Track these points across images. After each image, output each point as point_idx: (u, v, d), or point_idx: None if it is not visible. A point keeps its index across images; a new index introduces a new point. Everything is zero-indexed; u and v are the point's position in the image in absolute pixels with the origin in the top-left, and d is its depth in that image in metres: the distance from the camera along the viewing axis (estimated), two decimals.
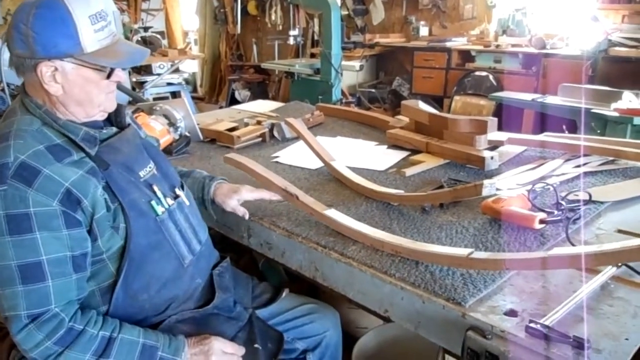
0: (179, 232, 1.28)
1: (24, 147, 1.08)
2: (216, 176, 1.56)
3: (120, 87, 1.87)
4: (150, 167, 1.29)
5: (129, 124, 1.31)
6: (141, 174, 1.25)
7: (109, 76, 1.17)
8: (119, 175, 1.18)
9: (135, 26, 6.36)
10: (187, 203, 1.35)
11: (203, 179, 1.53)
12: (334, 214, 1.39)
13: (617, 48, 4.46)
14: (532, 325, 0.92)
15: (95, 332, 1.11)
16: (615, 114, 3.08)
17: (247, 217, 1.48)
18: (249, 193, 1.49)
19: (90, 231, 1.12)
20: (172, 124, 2.11)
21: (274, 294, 1.54)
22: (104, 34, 1.13)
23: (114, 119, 1.29)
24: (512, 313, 0.99)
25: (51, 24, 1.08)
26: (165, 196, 1.27)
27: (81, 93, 1.16)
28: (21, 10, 1.10)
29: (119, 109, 1.29)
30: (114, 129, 1.26)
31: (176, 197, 1.32)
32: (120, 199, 1.16)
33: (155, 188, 1.25)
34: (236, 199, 1.48)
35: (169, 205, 1.27)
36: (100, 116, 1.23)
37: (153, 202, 1.22)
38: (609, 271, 1.10)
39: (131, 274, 1.18)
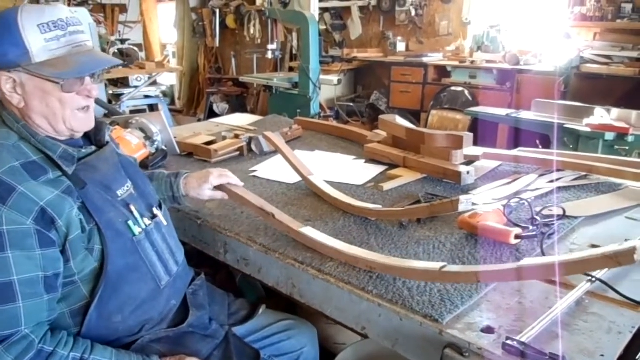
0: (156, 253, 1.25)
1: None
2: (180, 171, 1.58)
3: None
4: (127, 186, 1.26)
5: (107, 142, 1.28)
6: (119, 192, 1.22)
7: (68, 90, 1.11)
8: (96, 194, 1.15)
9: (112, 38, 6.30)
10: (165, 223, 1.33)
11: (168, 177, 1.54)
12: (309, 231, 1.38)
13: (588, 65, 4.59)
14: (508, 342, 0.92)
15: (65, 353, 1.07)
16: (588, 129, 3.16)
17: (226, 197, 1.54)
18: (217, 179, 1.53)
19: (63, 252, 1.09)
20: (148, 137, 2.08)
21: (251, 310, 1.52)
22: (58, 43, 1.09)
23: (94, 137, 1.26)
24: (488, 330, 0.99)
25: (5, 35, 1.06)
26: (142, 216, 1.24)
27: (41, 106, 1.11)
28: None
29: (100, 126, 1.26)
30: (93, 148, 1.24)
31: (154, 217, 1.30)
32: (97, 220, 1.13)
33: (133, 208, 1.23)
34: (207, 188, 1.52)
35: (146, 226, 1.24)
36: (69, 135, 1.18)
37: (130, 222, 1.20)
38: (584, 286, 1.11)
39: (107, 295, 1.15)
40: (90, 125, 1.21)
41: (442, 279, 1.11)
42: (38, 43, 1.06)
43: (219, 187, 1.55)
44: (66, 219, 1.07)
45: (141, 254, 1.21)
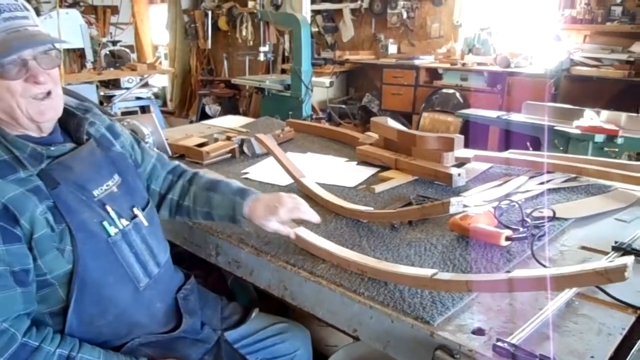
0: (134, 255, 1.22)
1: None
2: (248, 189, 1.42)
3: (75, 96, 1.73)
4: (107, 185, 1.22)
5: (87, 139, 1.25)
6: (95, 192, 1.18)
7: (8, 77, 1.06)
8: (69, 194, 1.13)
9: (104, 40, 6.27)
10: (146, 224, 1.28)
11: (234, 195, 1.39)
12: (302, 232, 1.38)
13: (578, 67, 4.63)
14: (499, 344, 0.92)
15: (51, 349, 1.06)
16: (578, 131, 3.18)
17: (292, 236, 1.36)
18: (287, 213, 1.34)
19: (30, 249, 1.07)
20: (140, 139, 2.07)
21: (244, 314, 1.51)
22: None
23: (74, 134, 1.23)
24: (479, 332, 1.00)
25: None
26: (120, 217, 1.21)
27: None
28: None
29: (80, 122, 1.23)
30: (69, 146, 1.20)
31: (134, 217, 1.26)
32: (68, 220, 1.10)
33: (109, 208, 1.19)
34: (275, 221, 1.34)
35: (124, 226, 1.21)
36: (36, 130, 1.15)
37: (105, 223, 1.17)
38: (574, 288, 1.11)
39: (85, 299, 1.13)
40: (54, 114, 1.16)
41: (434, 287, 1.11)
42: None
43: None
44: (29, 217, 1.05)
45: (117, 255, 1.18)
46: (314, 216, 1.37)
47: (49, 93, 1.12)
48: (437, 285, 1.10)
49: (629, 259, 0.88)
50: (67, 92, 1.32)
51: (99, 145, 1.27)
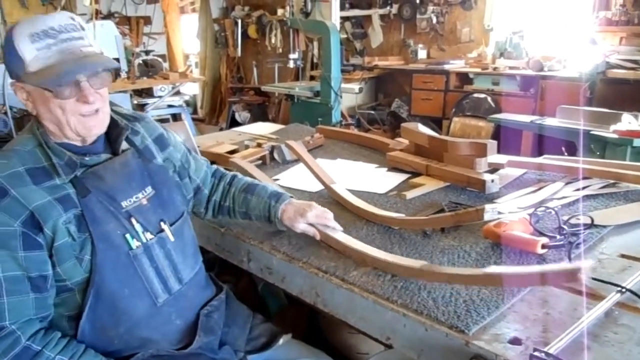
0: (154, 269, 1.23)
1: (5, 167, 1.10)
2: (282, 194, 1.51)
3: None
4: (137, 197, 1.23)
5: (123, 151, 1.27)
6: (124, 204, 1.20)
7: (61, 96, 1.11)
8: (97, 203, 1.15)
9: (137, 50, 6.43)
10: (172, 239, 1.28)
11: (269, 199, 1.48)
12: (343, 237, 1.41)
13: (615, 70, 4.50)
14: (536, 354, 0.90)
15: (52, 355, 1.09)
16: (615, 135, 3.10)
17: (317, 237, 1.43)
18: (315, 218, 1.43)
19: (50, 256, 1.11)
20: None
21: (272, 337, 1.45)
22: (49, 52, 1.09)
23: (112, 145, 1.26)
24: (516, 341, 0.98)
25: (6, 48, 1.10)
26: (145, 230, 1.22)
27: (47, 113, 1.13)
28: None
29: (120, 133, 1.26)
30: (104, 156, 1.23)
31: (160, 231, 1.26)
32: (91, 230, 1.13)
33: (134, 221, 1.20)
34: (303, 222, 1.43)
35: (147, 240, 1.22)
36: (79, 140, 1.19)
37: (127, 236, 1.19)
38: (613, 297, 1.08)
39: (99, 308, 1.15)
40: (99, 130, 1.20)
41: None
42: (30, 53, 1.08)
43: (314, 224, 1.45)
44: (52, 225, 1.09)
45: (136, 269, 1.19)
46: (337, 226, 1.45)
47: (96, 110, 1.17)
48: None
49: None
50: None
51: (140, 156, 1.29)
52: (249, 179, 1.60)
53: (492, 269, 1.11)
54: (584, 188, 1.71)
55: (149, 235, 1.23)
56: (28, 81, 1.10)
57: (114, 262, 1.16)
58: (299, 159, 2.03)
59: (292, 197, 1.52)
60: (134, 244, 1.19)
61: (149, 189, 1.27)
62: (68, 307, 1.16)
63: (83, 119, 1.15)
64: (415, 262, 1.23)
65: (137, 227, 1.21)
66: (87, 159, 1.18)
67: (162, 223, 1.27)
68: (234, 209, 1.53)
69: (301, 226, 1.43)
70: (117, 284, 1.16)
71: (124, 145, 1.27)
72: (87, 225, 1.13)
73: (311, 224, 1.43)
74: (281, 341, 1.44)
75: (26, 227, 1.07)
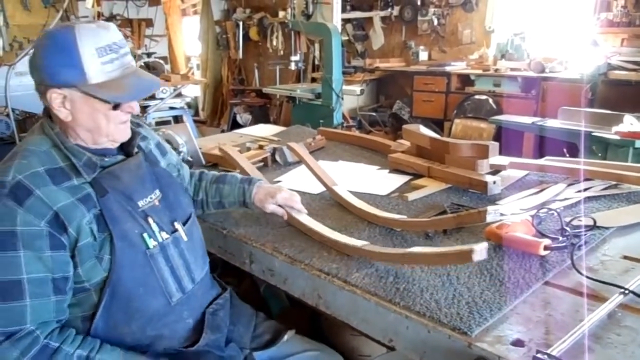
0: (170, 268, 1.25)
1: (25, 167, 1.10)
2: (252, 178, 1.63)
3: None
4: (151, 198, 1.27)
5: (136, 152, 1.31)
6: (140, 203, 1.23)
7: (116, 107, 1.18)
8: (115, 203, 1.18)
9: (139, 52, 6.43)
10: (185, 239, 1.32)
11: (241, 183, 1.59)
12: (295, 213, 1.52)
13: (616, 71, 4.50)
14: (539, 355, 0.90)
15: (71, 350, 1.10)
16: (617, 137, 3.10)
17: (285, 217, 1.55)
18: (283, 200, 1.54)
19: (72, 257, 1.12)
20: (174, 148, 2.11)
21: (276, 334, 1.47)
22: (112, 66, 1.14)
23: (126, 147, 1.29)
24: (518, 343, 0.97)
25: (57, 54, 1.11)
26: (161, 229, 1.25)
27: (89, 121, 1.17)
28: (39, 38, 1.15)
29: (133, 135, 1.29)
30: (120, 157, 1.26)
31: (174, 231, 1.29)
32: (111, 228, 1.15)
33: (151, 220, 1.23)
34: (272, 203, 1.54)
35: (163, 240, 1.25)
36: (110, 145, 1.24)
37: (145, 235, 1.21)
38: (616, 299, 1.08)
39: (114, 306, 1.17)
40: (128, 135, 1.26)
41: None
42: (95, 66, 1.11)
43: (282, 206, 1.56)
44: (76, 226, 1.10)
45: (153, 268, 1.21)
46: (302, 209, 1.57)
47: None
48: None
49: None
50: None
51: (147, 160, 1.33)
52: (215, 172, 1.68)
53: (414, 249, 1.23)
54: (586, 189, 1.71)
55: (164, 235, 1.26)
56: (90, 92, 1.12)
57: (132, 261, 1.18)
58: (300, 161, 2.03)
59: (261, 180, 1.64)
60: (151, 243, 1.21)
61: (157, 192, 1.30)
62: (83, 308, 1.17)
63: (122, 126, 1.23)
64: (357, 241, 1.37)
65: (154, 226, 1.24)
66: (106, 159, 1.21)
67: (175, 223, 1.31)
68: (207, 201, 1.61)
69: (271, 207, 1.54)
70: (132, 283, 1.18)
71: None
72: (107, 224, 1.15)
73: (280, 206, 1.54)
74: (285, 337, 1.47)
75: (52, 227, 1.08)
